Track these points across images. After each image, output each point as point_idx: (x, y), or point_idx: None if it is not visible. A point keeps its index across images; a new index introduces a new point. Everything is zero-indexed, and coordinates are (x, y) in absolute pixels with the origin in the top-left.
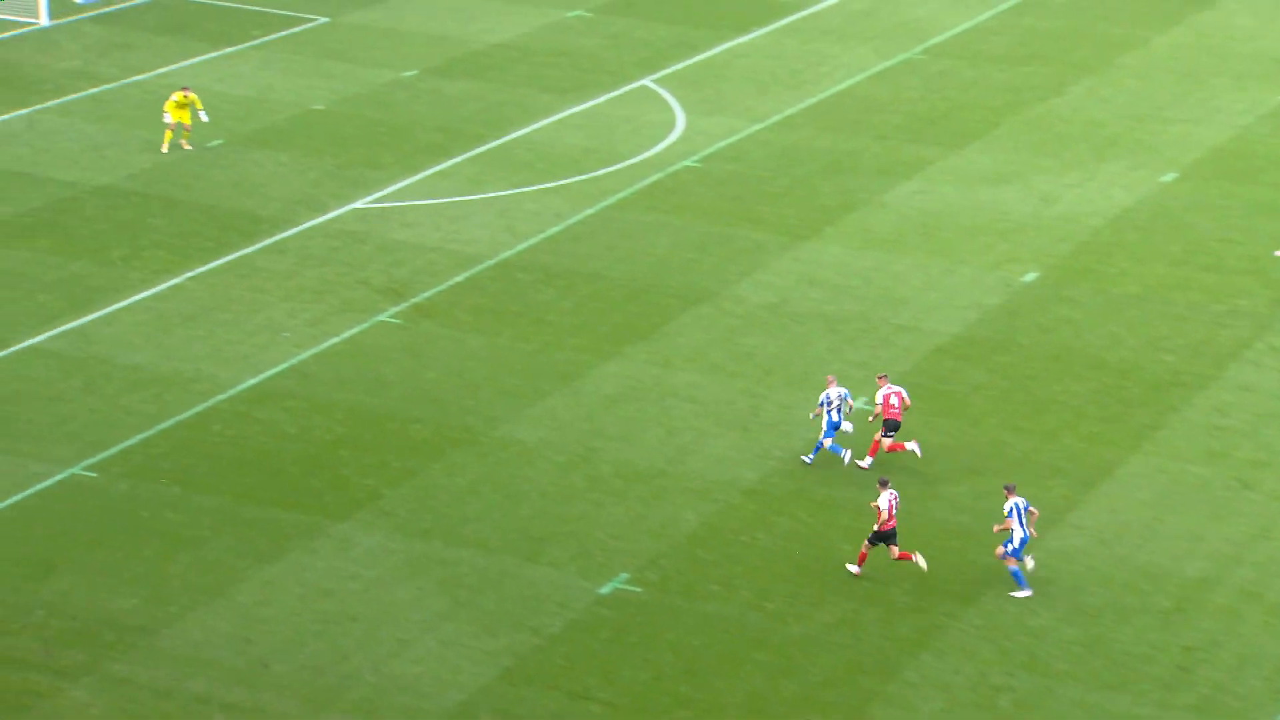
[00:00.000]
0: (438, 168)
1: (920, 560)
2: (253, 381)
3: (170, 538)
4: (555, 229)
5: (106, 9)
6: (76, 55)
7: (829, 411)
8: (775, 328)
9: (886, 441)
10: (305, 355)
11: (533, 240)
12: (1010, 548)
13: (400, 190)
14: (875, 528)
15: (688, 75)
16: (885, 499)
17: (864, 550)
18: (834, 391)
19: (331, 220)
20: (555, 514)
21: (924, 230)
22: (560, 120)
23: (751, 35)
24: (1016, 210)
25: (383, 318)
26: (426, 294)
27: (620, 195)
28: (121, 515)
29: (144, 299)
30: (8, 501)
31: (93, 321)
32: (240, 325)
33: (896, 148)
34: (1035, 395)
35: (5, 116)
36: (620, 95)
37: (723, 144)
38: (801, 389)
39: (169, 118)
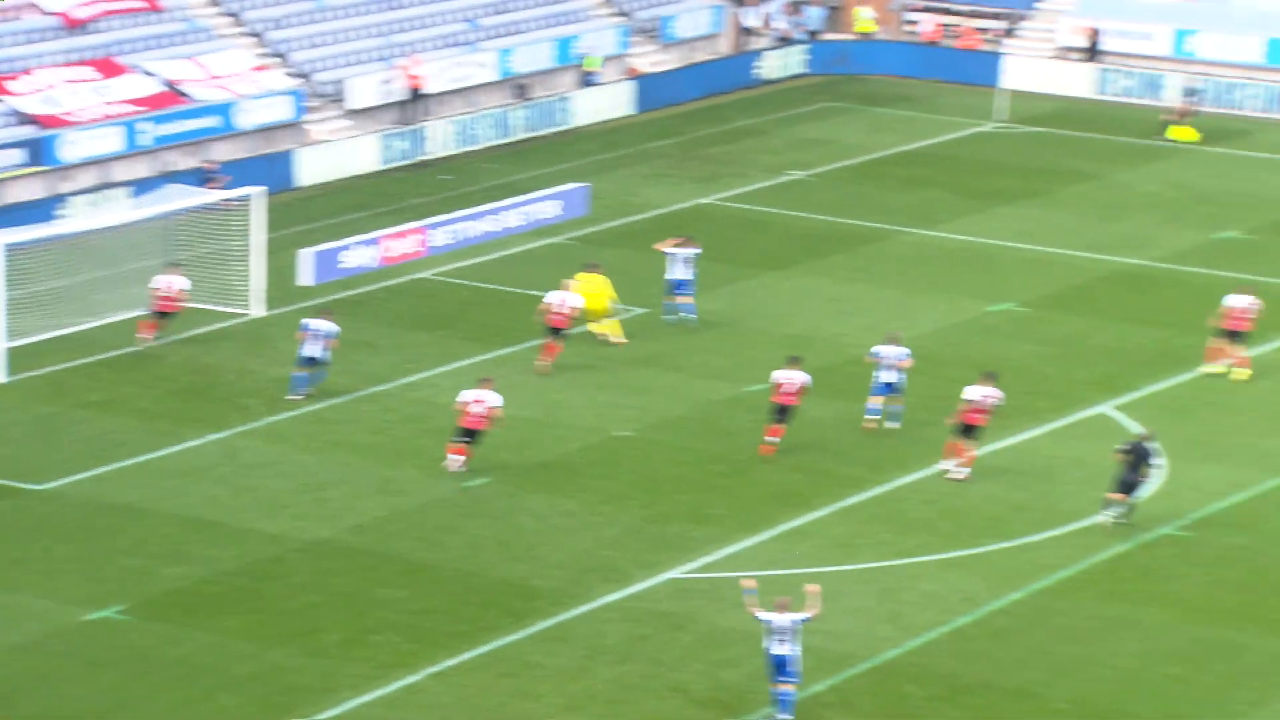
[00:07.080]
0: (791, 524)
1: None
2: None
3: None
4: (963, 619)
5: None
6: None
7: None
8: None
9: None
10: None
11: (929, 635)
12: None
13: (736, 555)
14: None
15: (1171, 400)
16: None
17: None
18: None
19: (636, 597)
20: None
21: None
22: (975, 461)
23: (1275, 344)
24: None
25: None
26: (770, 709)
27: (1064, 573)
28: None
29: (366, 704)
30: None
31: None
32: None
33: None
34: None
35: (197, 441)
36: (1065, 427)
37: (1225, 504)
38: None
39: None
